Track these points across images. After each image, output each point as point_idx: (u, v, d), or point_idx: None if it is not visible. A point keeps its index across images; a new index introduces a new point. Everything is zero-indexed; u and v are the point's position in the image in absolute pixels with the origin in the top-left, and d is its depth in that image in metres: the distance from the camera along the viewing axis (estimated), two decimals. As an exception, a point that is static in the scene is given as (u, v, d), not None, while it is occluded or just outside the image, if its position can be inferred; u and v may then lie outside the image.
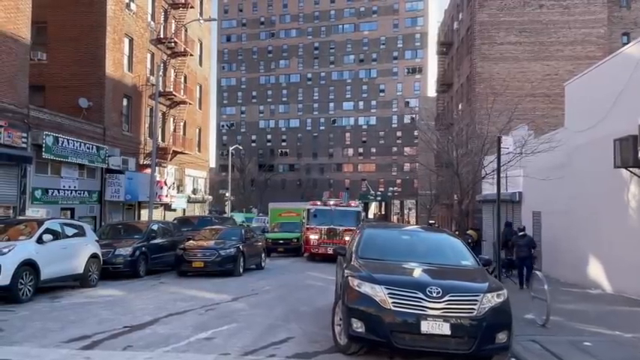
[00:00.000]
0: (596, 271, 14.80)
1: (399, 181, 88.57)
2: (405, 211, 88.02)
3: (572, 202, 16.28)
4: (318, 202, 24.90)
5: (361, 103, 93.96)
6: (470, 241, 19.19)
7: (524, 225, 16.78)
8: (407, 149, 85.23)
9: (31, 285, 10.59)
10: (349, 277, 6.63)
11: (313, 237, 22.80)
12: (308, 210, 24.08)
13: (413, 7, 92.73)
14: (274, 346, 7.09)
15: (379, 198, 79.68)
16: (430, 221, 53.15)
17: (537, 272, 9.72)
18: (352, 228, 20.85)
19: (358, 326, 6.18)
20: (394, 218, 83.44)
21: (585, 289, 14.39)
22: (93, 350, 6.76)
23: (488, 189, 24.39)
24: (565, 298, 12.31)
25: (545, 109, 31.94)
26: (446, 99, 46.73)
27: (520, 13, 33.24)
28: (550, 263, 17.96)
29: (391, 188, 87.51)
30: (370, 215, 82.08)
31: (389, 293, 6.09)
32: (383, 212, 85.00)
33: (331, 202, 24.32)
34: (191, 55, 33.94)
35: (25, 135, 18.69)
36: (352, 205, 24.71)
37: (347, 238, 19.95)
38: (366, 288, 6.26)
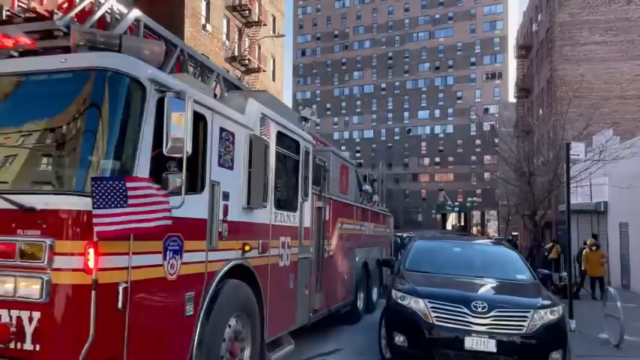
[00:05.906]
0: (691, 289, 13.38)
1: (478, 191, 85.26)
2: (486, 223, 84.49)
3: (662, 212, 14.89)
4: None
5: (437, 111, 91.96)
6: (547, 254, 18.13)
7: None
8: (487, 157, 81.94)
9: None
10: (393, 290, 6.52)
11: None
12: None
13: (491, 10, 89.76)
14: (320, 357, 7.10)
15: (457, 209, 76.95)
16: (513, 233, 50.35)
17: (610, 289, 8.96)
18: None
19: (401, 340, 6.07)
20: (474, 230, 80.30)
21: (678, 308, 13.02)
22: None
23: (572, 199, 22.88)
24: (651, 317, 11.21)
25: (637, 111, 29.56)
26: (526, 104, 44.64)
27: (605, 10, 31.10)
28: (639, 279, 16.52)
29: (470, 198, 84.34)
30: (448, 227, 79.68)
31: (432, 307, 5.92)
32: (462, 223, 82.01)
33: None
34: (264, 70, 35.10)
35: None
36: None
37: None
38: (409, 301, 6.13)
